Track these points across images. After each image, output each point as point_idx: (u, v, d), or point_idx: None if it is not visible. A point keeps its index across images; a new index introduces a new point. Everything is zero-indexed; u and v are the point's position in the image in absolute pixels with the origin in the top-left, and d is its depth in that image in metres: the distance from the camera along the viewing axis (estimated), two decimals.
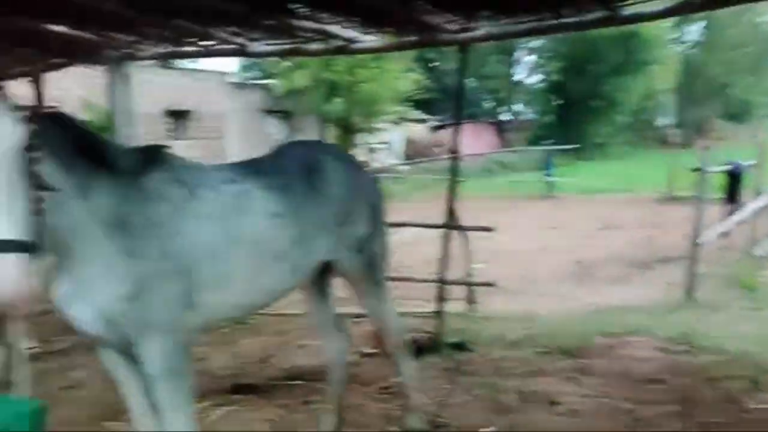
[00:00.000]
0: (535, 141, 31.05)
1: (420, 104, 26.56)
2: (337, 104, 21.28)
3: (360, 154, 19.73)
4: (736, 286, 7.94)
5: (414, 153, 29.00)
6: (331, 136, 21.71)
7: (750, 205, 10.62)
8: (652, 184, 18.98)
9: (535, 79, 37.47)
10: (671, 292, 7.71)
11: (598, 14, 3.93)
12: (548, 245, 11.50)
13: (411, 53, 20.93)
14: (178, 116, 21.21)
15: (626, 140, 35.23)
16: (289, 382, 4.45)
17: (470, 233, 6.21)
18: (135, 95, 5.87)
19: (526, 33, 4.62)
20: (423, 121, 31.91)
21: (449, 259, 5.29)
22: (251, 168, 2.83)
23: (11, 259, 1.73)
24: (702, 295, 7.37)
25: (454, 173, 5.18)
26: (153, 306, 2.30)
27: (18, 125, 1.84)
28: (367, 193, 3.22)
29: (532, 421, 3.83)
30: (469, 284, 6.52)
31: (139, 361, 2.38)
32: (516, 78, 38.07)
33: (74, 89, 14.61)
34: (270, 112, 24.33)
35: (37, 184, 1.89)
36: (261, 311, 4.09)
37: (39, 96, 6.82)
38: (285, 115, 24.60)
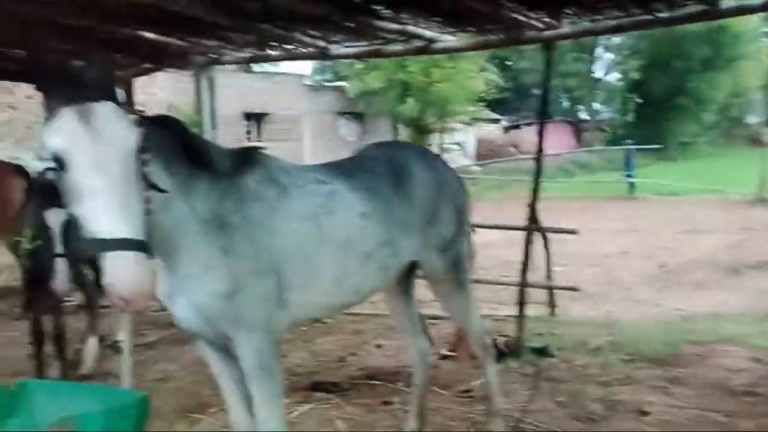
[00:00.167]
0: (613, 141, 30.05)
1: (492, 104, 26.24)
2: (410, 105, 21.32)
3: None
4: None
5: (486, 153, 28.70)
6: (404, 136, 21.75)
7: None
8: (742, 185, 18.06)
9: (612, 77, 36.31)
10: (763, 299, 7.30)
11: (692, 9, 3.77)
12: (630, 248, 11.08)
13: (486, 52, 20.67)
14: (256, 118, 21.82)
15: (713, 139, 33.71)
16: (368, 382, 4.47)
17: (550, 235, 6.07)
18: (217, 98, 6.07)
19: (613, 29, 4.46)
20: (496, 121, 31.55)
21: (530, 262, 5.19)
22: (339, 169, 2.86)
23: (131, 257, 1.80)
24: None
25: (537, 174, 5.06)
26: (248, 304, 2.35)
27: (133, 129, 1.93)
28: (452, 193, 3.19)
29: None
30: (551, 288, 6.38)
31: (236, 356, 2.44)
32: (594, 76, 36.99)
33: (160, 93, 15.30)
34: (343, 113, 24.65)
35: (147, 184, 1.96)
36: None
37: (129, 100, 7.14)
38: (358, 116, 24.88)
